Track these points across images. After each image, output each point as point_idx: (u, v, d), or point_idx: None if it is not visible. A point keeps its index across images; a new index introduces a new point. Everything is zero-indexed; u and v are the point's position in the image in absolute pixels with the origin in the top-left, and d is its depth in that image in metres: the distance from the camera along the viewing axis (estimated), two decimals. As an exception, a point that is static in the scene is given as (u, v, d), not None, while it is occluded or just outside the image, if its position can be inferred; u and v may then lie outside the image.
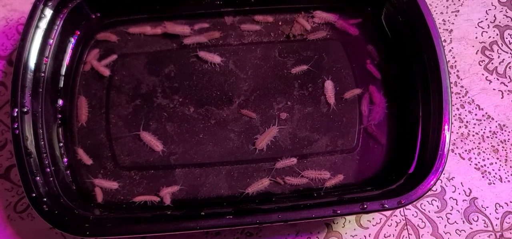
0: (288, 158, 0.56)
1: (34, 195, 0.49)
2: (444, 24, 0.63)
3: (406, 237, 0.56)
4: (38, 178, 0.50)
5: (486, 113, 0.60)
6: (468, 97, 0.60)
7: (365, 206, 0.49)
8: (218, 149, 0.57)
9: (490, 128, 0.59)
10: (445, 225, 0.56)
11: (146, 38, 0.60)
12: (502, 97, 0.60)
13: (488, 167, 0.58)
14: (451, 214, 0.57)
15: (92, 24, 0.59)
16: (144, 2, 0.59)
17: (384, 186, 0.53)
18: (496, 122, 0.60)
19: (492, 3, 0.63)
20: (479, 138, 0.59)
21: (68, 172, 0.55)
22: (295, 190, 0.56)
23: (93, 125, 0.57)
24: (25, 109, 0.52)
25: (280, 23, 0.61)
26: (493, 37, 0.62)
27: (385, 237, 0.56)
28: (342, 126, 0.58)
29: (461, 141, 0.59)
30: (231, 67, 0.59)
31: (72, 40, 0.58)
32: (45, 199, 0.50)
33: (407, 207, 0.57)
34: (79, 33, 0.58)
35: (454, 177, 0.58)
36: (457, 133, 0.59)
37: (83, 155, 0.56)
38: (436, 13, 0.63)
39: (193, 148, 0.57)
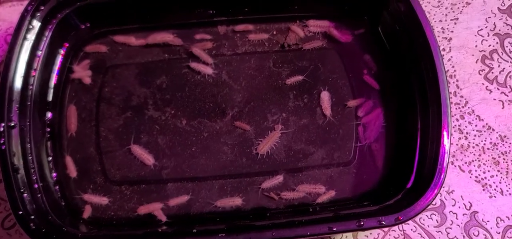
0: (275, 176, 0.54)
1: (21, 212, 0.48)
2: (443, 32, 0.61)
3: (404, 253, 0.54)
4: (26, 194, 0.49)
5: (486, 124, 0.58)
6: (468, 107, 0.59)
7: (362, 223, 0.47)
8: (211, 162, 0.55)
9: (491, 139, 0.58)
10: (445, 240, 0.55)
11: (137, 49, 0.58)
12: (503, 108, 0.59)
13: (488, 180, 0.57)
14: (451, 228, 0.55)
15: (81, 34, 0.58)
16: (135, 12, 0.58)
17: (382, 201, 0.52)
18: (497, 133, 0.58)
19: (492, 10, 0.62)
20: (479, 150, 0.58)
21: (57, 187, 0.54)
22: (290, 204, 0.54)
23: (83, 138, 0.56)
24: (12, 124, 0.50)
25: (274, 33, 0.59)
26: (493, 46, 0.61)
27: (383, 252, 0.54)
28: (338, 138, 0.56)
29: (461, 152, 0.58)
30: (225, 78, 0.58)
31: (61, 52, 0.57)
32: (32, 217, 0.48)
33: (405, 221, 0.56)
34: (68, 44, 0.57)
35: (454, 190, 0.56)
36: (457, 144, 0.58)
37: (70, 164, 0.54)
38: (435, 21, 0.62)
39: (186, 161, 0.55)
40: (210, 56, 0.57)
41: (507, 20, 0.62)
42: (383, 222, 0.47)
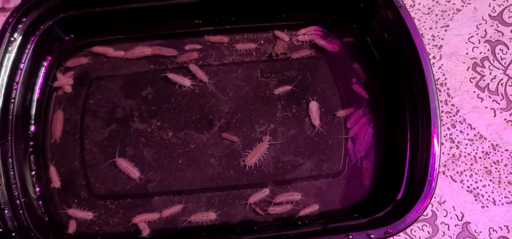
0: (261, 190, 0.53)
1: (1, 230, 0.47)
2: (434, 39, 0.60)
3: (395, 265, 0.53)
4: (6, 211, 0.48)
5: (478, 133, 0.57)
6: (459, 116, 0.58)
7: (350, 237, 0.47)
8: (198, 175, 0.54)
9: (483, 148, 0.57)
10: (437, 252, 0.54)
11: (122, 60, 0.57)
12: (495, 116, 0.58)
13: (481, 190, 0.56)
14: (442, 240, 0.54)
15: (65, 46, 0.57)
16: (120, 23, 0.57)
17: (371, 213, 0.51)
18: (489, 141, 0.57)
19: (482, 17, 0.61)
20: (471, 159, 0.57)
21: (40, 202, 0.53)
22: (278, 218, 0.53)
23: (67, 151, 0.55)
24: (-7, 139, 0.49)
25: (262, 42, 0.58)
26: (484, 53, 0.60)
27: (373, 265, 0.53)
28: (327, 149, 0.55)
29: (453, 162, 0.57)
30: (211, 88, 0.57)
31: (45, 64, 0.56)
32: (13, 234, 0.47)
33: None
34: (52, 56, 0.56)
35: (445, 201, 0.55)
36: (448, 153, 0.57)
37: (54, 175, 0.53)
38: (425, 28, 0.61)
39: (172, 174, 0.54)
40: (204, 73, 0.56)
41: (498, 27, 0.61)
42: (372, 236, 0.47)
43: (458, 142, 0.57)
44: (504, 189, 0.56)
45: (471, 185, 0.56)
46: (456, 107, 0.58)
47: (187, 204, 0.53)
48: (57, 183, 0.53)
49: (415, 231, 0.55)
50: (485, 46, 0.60)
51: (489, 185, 0.56)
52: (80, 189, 0.54)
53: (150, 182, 0.54)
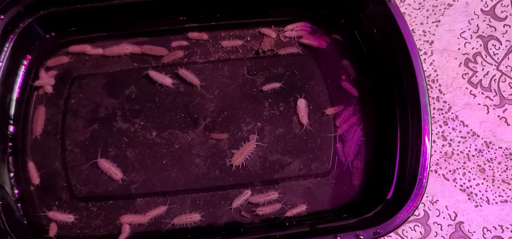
0: (242, 193, 0.52)
1: (-24, 234, 0.45)
2: (425, 35, 0.59)
3: (387, 267, 0.52)
4: (-18, 214, 0.46)
5: (471, 130, 0.56)
6: (452, 113, 0.56)
7: (339, 238, 0.45)
8: (183, 175, 0.53)
9: (476, 145, 0.55)
10: (429, 253, 0.52)
11: (105, 58, 0.56)
12: (488, 113, 0.56)
13: (474, 188, 0.54)
14: (435, 240, 0.53)
15: (46, 44, 0.55)
16: (102, 20, 0.55)
17: (361, 213, 0.49)
18: (482, 139, 0.56)
19: (474, 12, 0.60)
20: (464, 157, 0.55)
21: (19, 204, 0.51)
22: (266, 219, 0.52)
23: (48, 152, 0.53)
24: (-31, 140, 0.48)
25: (248, 39, 0.57)
26: (477, 48, 0.59)
27: (364, 267, 0.51)
28: (316, 148, 0.54)
29: (445, 160, 0.55)
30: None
31: (25, 62, 0.54)
32: (-11, 238, 0.46)
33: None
34: (32, 55, 0.54)
35: (438, 200, 0.54)
36: (441, 152, 0.55)
37: (33, 171, 0.51)
38: (416, 24, 0.59)
39: (156, 175, 0.53)
40: (194, 76, 0.54)
41: (490, 21, 0.59)
42: (361, 237, 0.45)
43: (451, 140, 0.56)
44: (498, 187, 0.54)
45: (464, 183, 0.54)
46: (448, 104, 0.57)
47: (171, 206, 0.52)
48: (36, 180, 0.51)
49: (407, 232, 0.53)
50: (477, 41, 0.59)
51: (482, 183, 0.54)
52: (61, 191, 0.52)
53: (133, 183, 0.52)
